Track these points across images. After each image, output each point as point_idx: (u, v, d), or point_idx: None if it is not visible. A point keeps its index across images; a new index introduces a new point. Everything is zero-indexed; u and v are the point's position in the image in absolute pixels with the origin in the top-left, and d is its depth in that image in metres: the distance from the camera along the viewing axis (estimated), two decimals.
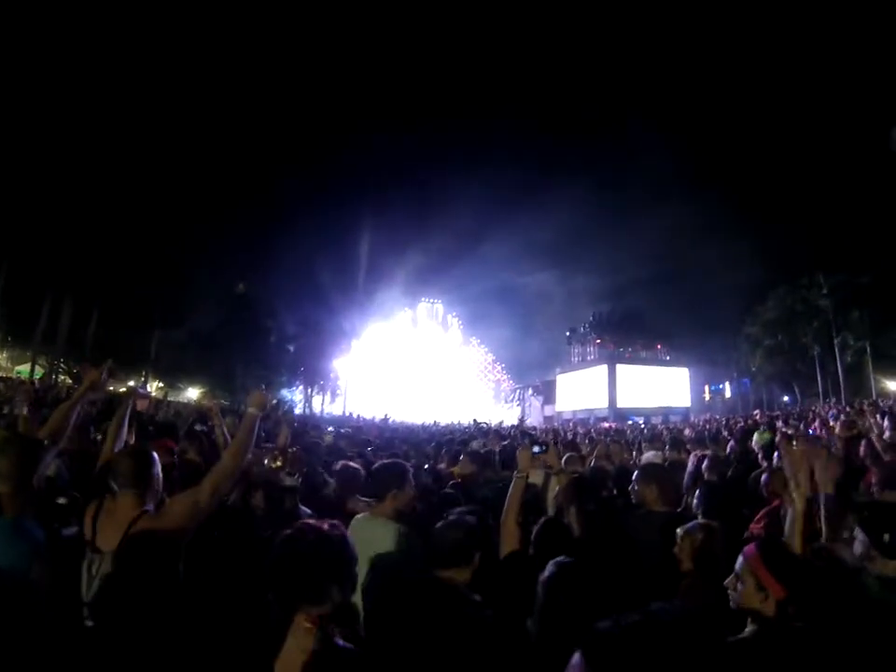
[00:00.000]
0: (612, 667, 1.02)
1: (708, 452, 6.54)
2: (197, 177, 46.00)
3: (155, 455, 2.59)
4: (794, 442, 4.59)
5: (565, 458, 5.67)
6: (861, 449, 5.67)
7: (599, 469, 5.45)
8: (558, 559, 2.47)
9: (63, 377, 39.34)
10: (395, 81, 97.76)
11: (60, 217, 33.64)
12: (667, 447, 8.05)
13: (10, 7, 31.53)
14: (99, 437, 5.12)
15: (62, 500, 2.69)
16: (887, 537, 2.51)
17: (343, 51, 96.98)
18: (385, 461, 3.74)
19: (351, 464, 4.71)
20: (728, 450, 7.85)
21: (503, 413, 62.10)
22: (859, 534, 2.64)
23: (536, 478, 3.99)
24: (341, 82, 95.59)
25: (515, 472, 3.27)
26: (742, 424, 17.25)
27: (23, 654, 1.66)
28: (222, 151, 53.67)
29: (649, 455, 7.16)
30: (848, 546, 2.74)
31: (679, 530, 2.81)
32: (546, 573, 2.42)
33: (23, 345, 41.46)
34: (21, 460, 2.32)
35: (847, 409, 17.67)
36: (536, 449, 4.34)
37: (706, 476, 5.12)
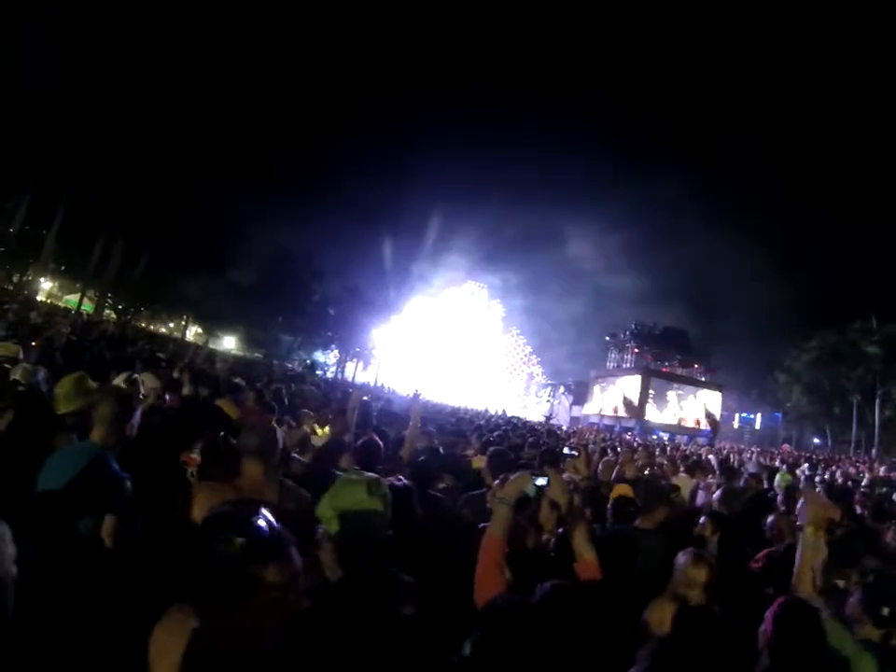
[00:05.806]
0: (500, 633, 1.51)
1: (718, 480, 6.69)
2: (252, 129, 46.64)
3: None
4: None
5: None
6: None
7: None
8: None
9: (108, 312, 40.75)
10: (463, 54, 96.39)
11: (118, 163, 34.72)
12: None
13: None
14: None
15: None
16: (886, 611, 2.36)
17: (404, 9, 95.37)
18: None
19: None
20: (742, 482, 7.92)
21: (531, 407, 62.25)
22: (856, 592, 2.54)
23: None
24: (407, 42, 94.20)
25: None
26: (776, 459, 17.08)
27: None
28: (280, 103, 54.11)
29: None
30: (837, 598, 2.73)
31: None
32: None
33: (74, 276, 43.07)
34: (118, 408, 2.64)
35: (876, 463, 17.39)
36: (566, 451, 4.60)
37: (715, 507, 5.25)
